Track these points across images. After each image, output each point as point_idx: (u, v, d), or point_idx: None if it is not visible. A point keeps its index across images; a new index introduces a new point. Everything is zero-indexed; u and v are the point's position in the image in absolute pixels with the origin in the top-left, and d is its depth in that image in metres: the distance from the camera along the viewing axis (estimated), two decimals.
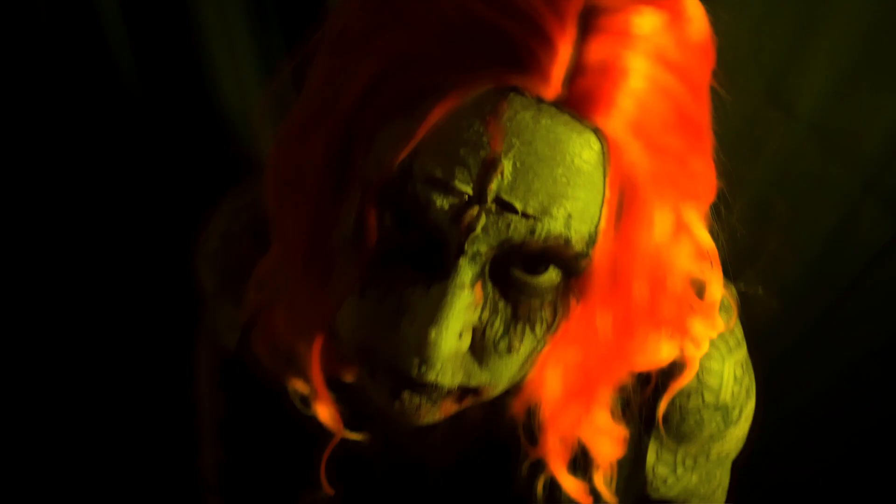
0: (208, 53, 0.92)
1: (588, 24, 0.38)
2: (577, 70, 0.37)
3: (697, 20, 0.42)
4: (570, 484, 0.56)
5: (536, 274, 0.42)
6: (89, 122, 0.94)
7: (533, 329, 0.43)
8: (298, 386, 0.54)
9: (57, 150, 0.95)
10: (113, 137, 0.95)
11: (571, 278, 0.42)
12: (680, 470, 0.63)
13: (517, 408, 0.51)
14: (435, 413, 0.46)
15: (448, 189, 0.38)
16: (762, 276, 0.80)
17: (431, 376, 0.42)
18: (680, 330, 0.53)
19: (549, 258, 0.41)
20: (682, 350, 0.55)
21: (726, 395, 0.58)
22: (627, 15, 0.38)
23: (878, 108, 1.00)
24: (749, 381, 0.61)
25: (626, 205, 0.40)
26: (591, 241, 0.40)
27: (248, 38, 0.94)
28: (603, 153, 0.39)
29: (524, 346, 0.43)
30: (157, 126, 0.96)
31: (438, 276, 0.41)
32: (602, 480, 0.57)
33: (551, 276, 0.42)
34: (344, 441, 0.56)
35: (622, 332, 0.46)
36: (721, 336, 0.58)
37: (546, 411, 0.51)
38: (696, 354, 0.55)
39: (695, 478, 0.64)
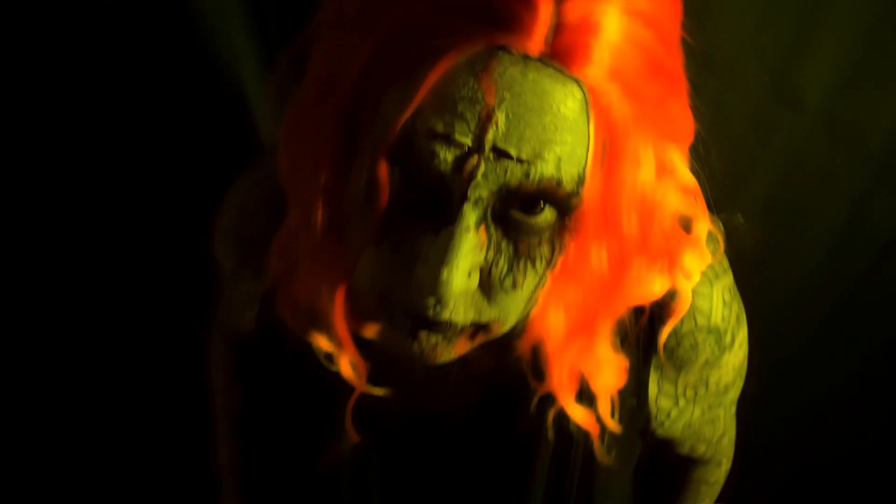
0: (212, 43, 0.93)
1: None
2: (557, 27, 0.42)
3: None
4: (579, 413, 0.60)
5: (534, 214, 0.46)
6: (96, 110, 0.95)
7: (534, 265, 0.48)
8: (322, 343, 0.58)
9: (66, 138, 0.96)
10: (119, 125, 0.96)
11: (565, 216, 0.46)
12: (682, 402, 0.66)
13: (523, 347, 0.55)
14: (450, 351, 0.50)
15: (450, 141, 0.42)
16: (776, 267, 0.81)
17: (445, 315, 0.47)
18: (671, 262, 0.56)
19: (543, 199, 0.45)
20: (674, 282, 0.58)
21: (717, 318, 0.62)
22: (601, 24, 0.42)
23: (884, 100, 1.01)
24: (738, 308, 0.64)
25: (610, 146, 0.45)
26: (581, 181, 0.45)
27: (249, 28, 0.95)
28: (585, 101, 0.43)
29: (527, 282, 0.48)
30: (162, 115, 0.97)
31: (446, 222, 0.45)
32: (606, 411, 0.60)
33: (547, 215, 0.46)
34: (364, 396, 0.59)
35: (617, 267, 0.49)
36: (709, 265, 0.61)
37: (550, 347, 0.55)
38: (687, 286, 0.59)
39: (696, 411, 0.67)
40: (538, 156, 0.43)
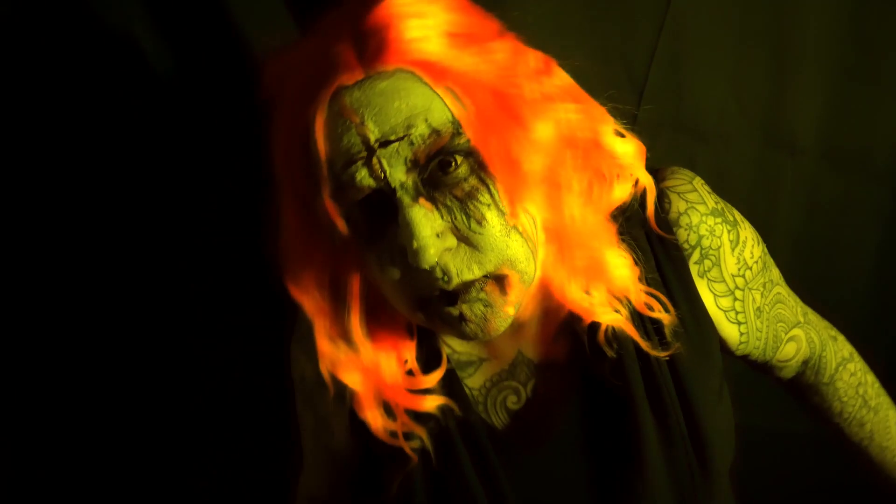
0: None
1: (359, 31, 0.59)
2: (364, 57, 0.58)
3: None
4: (614, 317, 0.66)
5: (451, 168, 0.59)
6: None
7: (482, 201, 0.59)
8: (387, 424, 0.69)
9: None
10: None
11: (471, 157, 0.59)
12: (738, 293, 0.72)
13: (560, 313, 0.68)
14: (499, 313, 0.61)
15: (353, 161, 0.58)
16: (828, 307, 0.80)
17: (455, 278, 0.59)
18: (605, 169, 0.66)
19: (444, 153, 0.58)
20: (633, 182, 0.67)
21: (711, 203, 0.70)
22: (384, 28, 0.58)
23: (877, 117, 1.02)
24: (725, 204, 0.72)
25: (465, 93, 0.58)
26: (455, 122, 0.58)
27: None
28: (414, 75, 0.58)
29: (490, 215, 0.59)
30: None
31: (396, 217, 0.58)
32: (640, 301, 0.67)
33: (462, 167, 0.59)
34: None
35: (551, 195, 0.62)
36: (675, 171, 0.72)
37: (564, 282, 0.65)
38: (643, 176, 0.67)
39: (757, 296, 0.73)
40: (410, 126, 0.57)
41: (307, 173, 0.61)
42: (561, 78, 0.64)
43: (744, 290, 0.72)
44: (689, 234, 0.69)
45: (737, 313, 0.72)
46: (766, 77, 0.98)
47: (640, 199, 0.68)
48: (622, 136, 0.66)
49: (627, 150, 0.66)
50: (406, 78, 0.58)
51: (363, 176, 0.58)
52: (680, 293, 0.69)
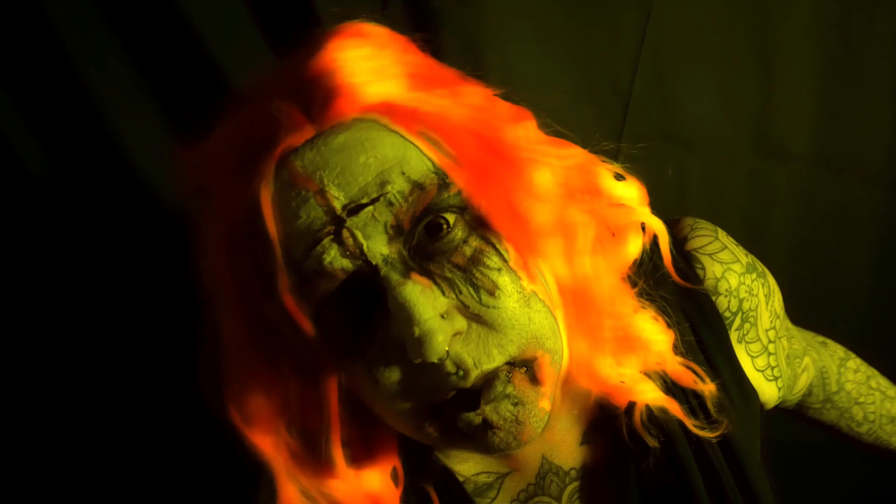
0: None
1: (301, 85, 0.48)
2: (311, 111, 0.47)
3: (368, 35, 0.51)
4: (657, 394, 0.56)
5: (442, 232, 0.47)
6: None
7: (491, 265, 0.47)
8: None
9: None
10: None
11: (464, 212, 0.48)
12: (771, 346, 0.64)
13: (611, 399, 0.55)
14: (532, 411, 0.47)
15: (317, 240, 0.45)
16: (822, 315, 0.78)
17: (473, 370, 0.46)
18: (615, 220, 0.56)
19: (431, 213, 0.47)
20: (645, 231, 0.58)
21: (742, 257, 0.62)
22: (330, 73, 0.48)
23: (866, 120, 1.01)
24: (748, 252, 0.65)
25: (444, 138, 0.48)
26: (440, 171, 0.47)
27: None
28: (378, 123, 0.47)
29: (503, 282, 0.47)
30: None
31: (385, 305, 0.46)
32: (678, 372, 0.58)
33: (455, 230, 0.47)
34: None
35: (565, 252, 0.51)
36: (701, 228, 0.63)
37: (598, 362, 0.54)
38: (652, 221, 0.58)
39: (785, 342, 0.66)
40: (384, 183, 0.46)
41: (254, 271, 0.47)
42: (536, 127, 0.55)
43: (775, 342, 0.65)
44: (729, 301, 0.60)
45: (772, 369, 0.64)
46: (753, 84, 0.97)
47: (651, 250, 0.58)
48: (622, 178, 0.57)
49: (630, 193, 0.57)
50: (368, 128, 0.47)
51: (333, 257, 0.45)
52: (721, 359, 0.60)
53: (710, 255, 0.61)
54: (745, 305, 0.61)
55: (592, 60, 0.91)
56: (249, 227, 0.47)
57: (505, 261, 0.47)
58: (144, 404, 0.87)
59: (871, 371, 0.75)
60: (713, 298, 0.60)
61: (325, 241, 0.45)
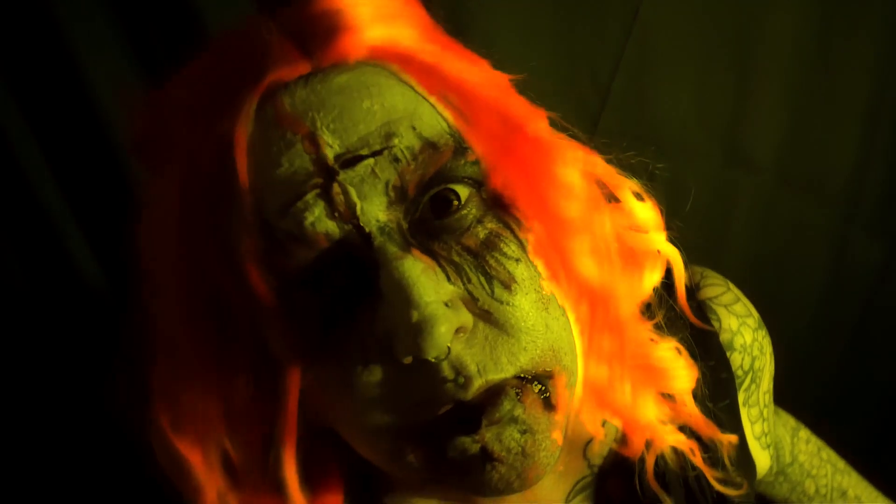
0: None
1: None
2: (308, 47, 0.39)
3: None
4: (675, 437, 0.50)
5: (452, 207, 0.39)
6: None
7: (509, 254, 0.39)
8: None
9: None
10: None
11: (480, 188, 0.40)
12: (765, 411, 0.58)
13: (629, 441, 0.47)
14: (542, 444, 0.38)
15: (299, 196, 0.36)
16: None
17: (476, 378, 0.36)
18: (633, 243, 0.49)
19: (440, 177, 0.39)
20: (664, 263, 0.51)
21: (755, 313, 0.57)
22: (335, 11, 0.40)
23: (833, 142, 1.03)
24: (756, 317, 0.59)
25: (462, 103, 0.40)
26: (456, 133, 0.39)
27: None
28: (387, 71, 0.39)
29: (521, 275, 0.39)
30: None
31: (375, 284, 0.37)
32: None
33: (470, 207, 0.39)
34: None
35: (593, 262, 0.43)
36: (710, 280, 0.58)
37: (616, 399, 0.46)
38: (670, 251, 0.51)
39: (772, 407, 0.60)
40: (390, 135, 0.37)
41: (210, 233, 0.38)
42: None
43: (768, 405, 0.59)
44: (743, 359, 0.54)
45: (766, 436, 0.58)
46: (729, 94, 0.98)
47: (664, 288, 0.51)
48: (641, 198, 0.50)
49: (648, 216, 0.50)
50: (376, 72, 0.39)
51: (316, 217, 0.36)
52: (726, 418, 0.53)
53: (725, 306, 0.55)
54: (756, 364, 0.56)
55: (575, 49, 0.91)
56: (212, 176, 0.38)
57: (524, 251, 0.40)
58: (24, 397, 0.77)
59: (821, 442, 0.70)
60: (727, 354, 0.54)
61: (309, 196, 0.36)
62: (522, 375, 0.38)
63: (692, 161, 0.99)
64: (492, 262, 0.38)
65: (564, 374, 0.40)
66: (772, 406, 0.60)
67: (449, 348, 0.36)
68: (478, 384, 0.37)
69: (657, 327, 0.50)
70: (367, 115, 0.37)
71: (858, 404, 1.12)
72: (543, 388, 0.39)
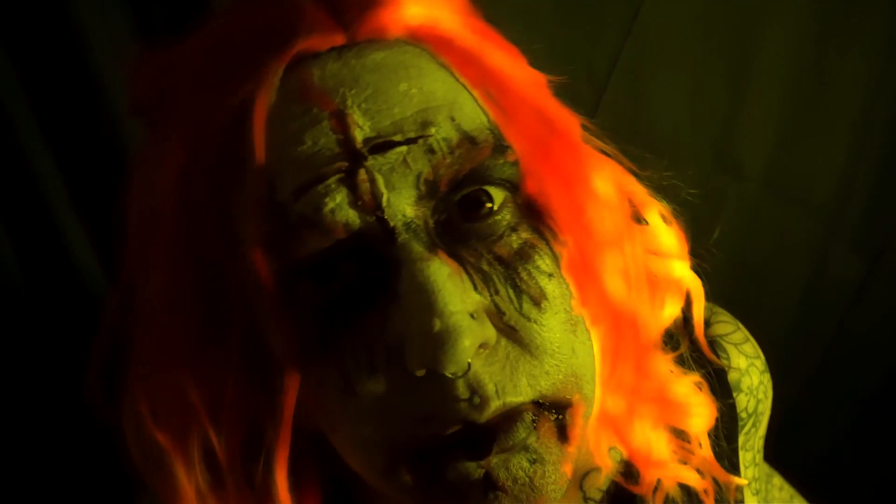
0: None
1: None
2: (343, 17, 0.36)
3: None
4: (688, 474, 0.47)
5: (484, 210, 0.36)
6: None
7: (542, 268, 0.36)
8: None
9: None
10: None
11: (516, 192, 0.37)
12: (758, 457, 0.56)
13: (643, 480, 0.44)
14: (551, 476, 0.35)
15: (320, 179, 0.33)
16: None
17: (494, 399, 0.33)
18: (656, 269, 0.47)
19: (476, 176, 0.36)
20: (684, 293, 0.49)
21: (761, 354, 0.55)
22: None
23: (822, 154, 1.03)
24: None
25: (502, 99, 0.38)
26: (496, 130, 0.36)
27: None
28: (427, 54, 0.37)
29: (551, 290, 0.36)
30: None
31: (392, 285, 0.34)
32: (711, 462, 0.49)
33: (496, 197, 0.36)
34: None
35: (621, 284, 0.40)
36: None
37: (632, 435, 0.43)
38: (692, 282, 0.49)
39: (761, 471, 0.58)
40: (427, 123, 0.34)
41: (214, 210, 0.35)
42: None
43: (760, 451, 0.57)
44: (748, 401, 0.52)
45: (756, 481, 0.56)
46: (723, 99, 0.98)
47: (682, 319, 0.49)
48: (668, 221, 0.48)
49: (672, 242, 0.48)
50: (416, 54, 0.36)
51: (337, 204, 0.33)
52: (726, 461, 0.51)
53: (735, 345, 0.53)
54: (760, 408, 0.53)
55: (573, 43, 0.91)
56: (222, 145, 0.35)
57: (558, 266, 0.37)
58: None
59: (793, 490, 0.68)
60: (734, 395, 0.52)
61: (332, 180, 0.33)
62: (541, 401, 0.36)
63: (683, 163, 0.98)
64: (524, 274, 0.36)
65: (583, 403, 0.37)
66: (762, 452, 0.58)
67: (469, 364, 0.33)
68: (494, 406, 0.34)
69: (678, 361, 0.48)
70: (404, 99, 0.34)
71: (825, 418, 1.13)
72: (560, 416, 0.37)
